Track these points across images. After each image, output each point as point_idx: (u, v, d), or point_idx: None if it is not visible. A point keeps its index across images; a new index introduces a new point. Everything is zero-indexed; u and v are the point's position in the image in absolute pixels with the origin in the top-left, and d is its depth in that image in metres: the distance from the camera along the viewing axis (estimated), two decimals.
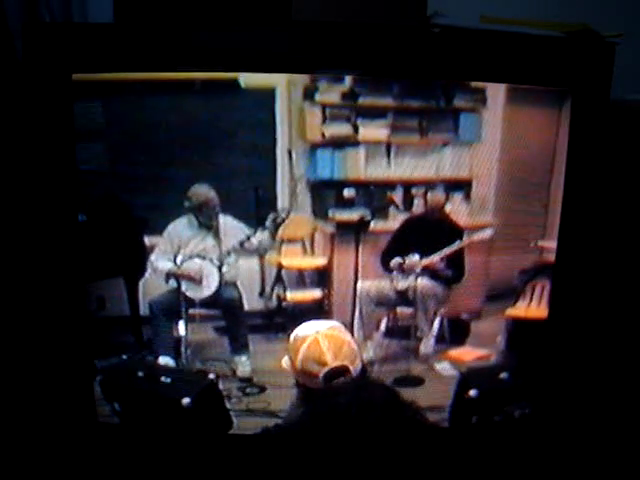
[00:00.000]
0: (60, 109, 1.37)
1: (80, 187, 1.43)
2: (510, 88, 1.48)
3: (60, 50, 1.34)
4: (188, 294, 1.62)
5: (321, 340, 1.46)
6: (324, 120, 1.52)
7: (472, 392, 1.59)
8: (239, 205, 1.53)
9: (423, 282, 1.63)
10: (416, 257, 1.61)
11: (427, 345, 1.66)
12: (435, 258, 1.60)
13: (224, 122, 1.45)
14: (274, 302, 1.66)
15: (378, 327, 1.68)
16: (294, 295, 1.65)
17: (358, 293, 1.61)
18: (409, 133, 1.51)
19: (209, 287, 1.62)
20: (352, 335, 1.54)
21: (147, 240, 1.53)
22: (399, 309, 1.67)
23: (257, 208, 1.53)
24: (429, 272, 1.62)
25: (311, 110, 1.50)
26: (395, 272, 1.62)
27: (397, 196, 1.55)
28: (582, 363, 1.66)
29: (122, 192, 1.49)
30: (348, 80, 1.45)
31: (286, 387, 1.53)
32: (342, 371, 1.45)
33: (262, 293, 1.66)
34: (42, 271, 1.47)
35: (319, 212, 1.57)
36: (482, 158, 1.53)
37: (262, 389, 1.62)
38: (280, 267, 1.64)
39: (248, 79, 1.42)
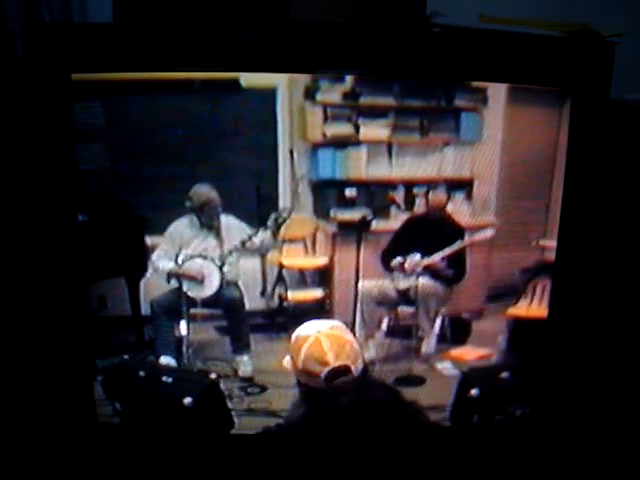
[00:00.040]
0: (60, 109, 1.37)
1: (80, 187, 1.42)
2: (511, 88, 1.48)
3: (60, 50, 1.34)
4: (189, 294, 1.62)
5: (323, 340, 1.45)
6: (325, 120, 1.52)
7: (473, 391, 1.59)
8: (241, 205, 1.53)
9: (424, 282, 1.63)
10: (417, 257, 1.61)
11: (428, 345, 1.66)
12: (436, 258, 1.60)
13: (225, 122, 1.45)
14: (275, 302, 1.66)
15: (379, 327, 1.68)
16: (295, 295, 1.65)
17: (359, 293, 1.60)
18: (410, 133, 1.51)
19: (210, 287, 1.62)
20: (354, 335, 1.54)
21: (148, 240, 1.53)
22: (400, 309, 1.67)
23: (259, 208, 1.53)
24: (430, 272, 1.62)
25: (312, 110, 1.50)
26: (396, 272, 1.62)
27: (398, 196, 1.55)
28: (583, 363, 1.66)
29: (123, 192, 1.48)
30: (349, 80, 1.45)
31: (287, 387, 1.52)
32: (344, 371, 1.44)
33: (263, 293, 1.66)
34: (43, 271, 1.47)
35: (321, 212, 1.57)
36: (483, 158, 1.53)
37: (263, 389, 1.62)
38: (281, 267, 1.64)
39: (249, 79, 1.42)
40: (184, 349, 1.62)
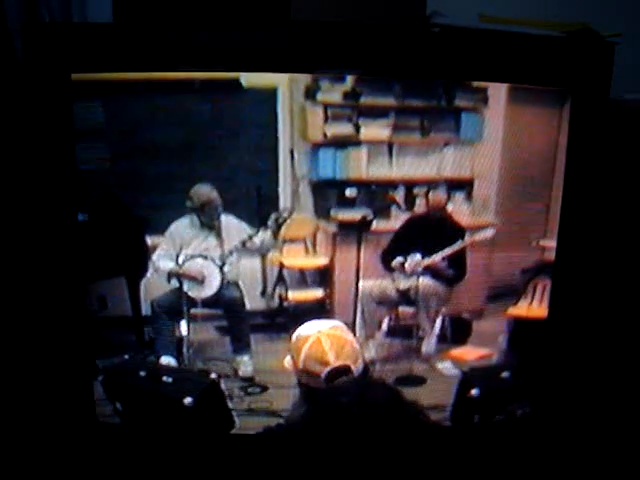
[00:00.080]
0: (60, 109, 1.37)
1: (80, 187, 1.42)
2: (511, 88, 1.48)
3: (59, 50, 1.34)
4: (190, 294, 1.62)
5: (323, 340, 1.46)
6: (326, 120, 1.52)
7: (474, 391, 1.59)
8: (241, 205, 1.53)
9: (425, 282, 1.63)
10: (418, 257, 1.61)
11: (429, 344, 1.66)
12: (437, 258, 1.60)
13: (226, 122, 1.45)
14: (276, 302, 1.66)
15: (380, 327, 1.68)
16: (296, 295, 1.65)
17: (360, 293, 1.60)
18: (411, 133, 1.51)
19: (211, 287, 1.62)
20: (354, 335, 1.54)
21: (149, 240, 1.53)
22: (401, 309, 1.67)
23: (259, 208, 1.53)
24: (431, 272, 1.62)
25: (313, 110, 1.50)
26: (397, 272, 1.62)
27: (399, 196, 1.55)
28: (583, 362, 1.66)
29: (123, 192, 1.48)
30: (350, 80, 1.45)
31: (288, 387, 1.52)
32: (344, 371, 1.44)
33: (264, 293, 1.66)
34: (43, 271, 1.46)
35: (321, 212, 1.57)
36: (484, 157, 1.53)
37: (264, 389, 1.62)
38: (282, 267, 1.64)
39: (250, 79, 1.42)
40: (184, 349, 1.61)
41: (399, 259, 1.61)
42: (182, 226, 1.56)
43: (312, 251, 1.65)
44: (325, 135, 1.53)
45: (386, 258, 1.61)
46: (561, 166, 1.50)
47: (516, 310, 1.60)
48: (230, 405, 1.59)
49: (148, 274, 1.56)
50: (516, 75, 1.44)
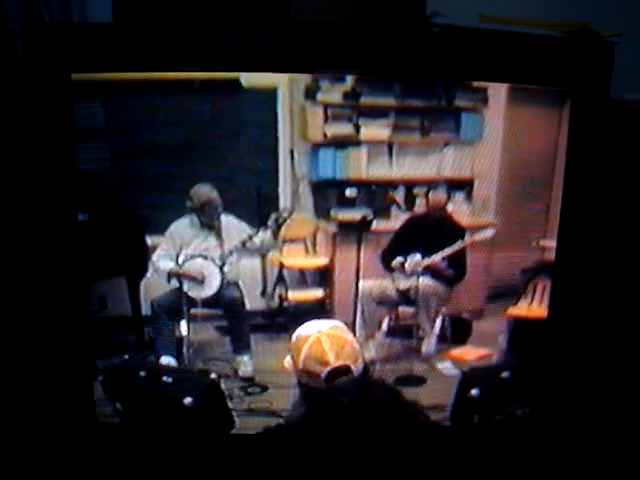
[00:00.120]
0: (60, 109, 1.37)
1: (80, 187, 1.42)
2: (511, 88, 1.48)
3: (59, 50, 1.34)
4: (190, 294, 1.62)
5: (323, 340, 1.46)
6: (326, 120, 1.52)
7: (474, 391, 1.59)
8: (241, 205, 1.53)
9: (425, 282, 1.63)
10: (418, 257, 1.61)
11: (429, 344, 1.66)
12: (437, 258, 1.61)
13: (226, 122, 1.45)
14: (276, 302, 1.66)
15: (380, 327, 1.68)
16: (296, 295, 1.65)
17: (360, 293, 1.60)
18: (411, 133, 1.51)
19: (211, 287, 1.62)
20: (354, 335, 1.54)
21: (149, 240, 1.53)
22: (401, 309, 1.67)
23: (259, 208, 1.53)
24: (431, 272, 1.62)
25: (313, 110, 1.50)
26: (397, 272, 1.62)
27: (399, 196, 1.55)
28: (583, 362, 1.66)
29: (123, 192, 1.48)
30: (350, 80, 1.45)
31: (288, 387, 1.52)
32: (344, 371, 1.45)
33: (264, 293, 1.66)
34: (43, 271, 1.46)
35: (321, 212, 1.57)
36: (484, 157, 1.53)
37: (264, 389, 1.62)
38: (282, 267, 1.64)
39: (250, 79, 1.42)
40: (184, 349, 1.61)
41: (399, 259, 1.61)
42: (182, 226, 1.56)
43: (312, 251, 1.65)
44: (325, 135, 1.53)
45: (386, 258, 1.61)
46: (561, 166, 1.50)
47: (516, 310, 1.60)
48: (230, 405, 1.59)
49: (148, 274, 1.56)
50: (516, 75, 1.44)
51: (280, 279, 1.65)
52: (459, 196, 1.57)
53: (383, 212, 1.56)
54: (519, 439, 1.62)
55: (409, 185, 1.55)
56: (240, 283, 1.62)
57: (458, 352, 1.64)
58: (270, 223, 1.53)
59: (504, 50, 1.42)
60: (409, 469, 1.58)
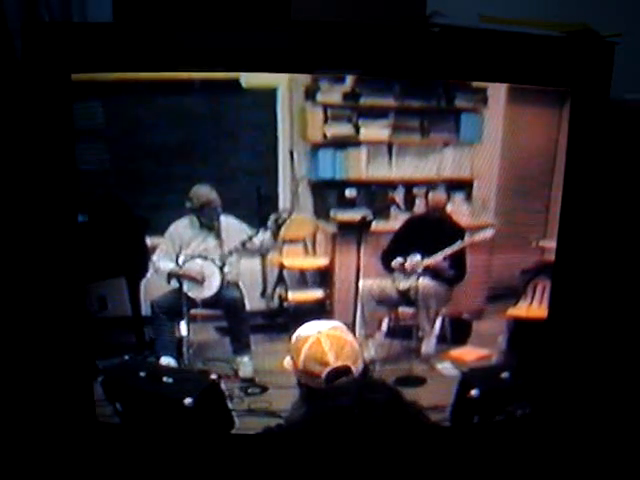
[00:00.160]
0: (60, 109, 1.37)
1: (80, 187, 1.42)
2: (511, 88, 1.48)
3: (59, 50, 1.34)
4: (190, 294, 1.62)
5: (323, 340, 1.46)
6: (326, 120, 1.52)
7: (473, 392, 1.59)
8: (241, 205, 1.53)
9: (424, 282, 1.63)
10: (417, 257, 1.61)
11: (428, 345, 1.66)
12: (436, 258, 1.61)
13: (226, 122, 1.45)
14: (276, 302, 1.66)
15: (380, 327, 1.68)
16: (296, 295, 1.65)
17: (360, 293, 1.60)
18: (410, 133, 1.51)
19: (211, 287, 1.62)
20: (354, 335, 1.54)
21: (149, 240, 1.52)
22: (401, 309, 1.67)
23: (259, 208, 1.53)
24: (430, 272, 1.62)
25: (313, 110, 1.50)
26: (396, 272, 1.62)
27: (398, 196, 1.56)
28: (583, 363, 1.66)
29: (123, 192, 1.48)
30: (349, 80, 1.45)
31: (288, 387, 1.52)
32: (344, 371, 1.45)
33: (264, 293, 1.66)
34: (43, 271, 1.47)
35: (321, 212, 1.57)
36: (483, 158, 1.53)
37: (264, 389, 1.62)
38: (282, 267, 1.64)
39: (249, 79, 1.42)
40: (184, 350, 1.61)
41: (399, 259, 1.61)
42: (182, 227, 1.56)
43: (312, 252, 1.65)
44: (325, 135, 1.53)
45: (386, 258, 1.61)
46: (561, 166, 1.50)
47: (516, 311, 1.60)
48: (230, 405, 1.59)
49: (148, 275, 1.56)
50: (516, 75, 1.44)
51: (280, 280, 1.65)
52: (459, 196, 1.57)
53: (383, 212, 1.56)
54: (519, 439, 1.62)
55: (409, 185, 1.55)
56: (240, 284, 1.62)
57: (458, 352, 1.64)
58: (270, 224, 1.53)
59: (504, 50, 1.42)
60: (409, 469, 1.58)
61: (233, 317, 1.64)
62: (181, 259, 1.58)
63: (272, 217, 1.52)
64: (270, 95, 1.49)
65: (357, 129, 1.51)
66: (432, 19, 1.73)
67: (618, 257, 1.71)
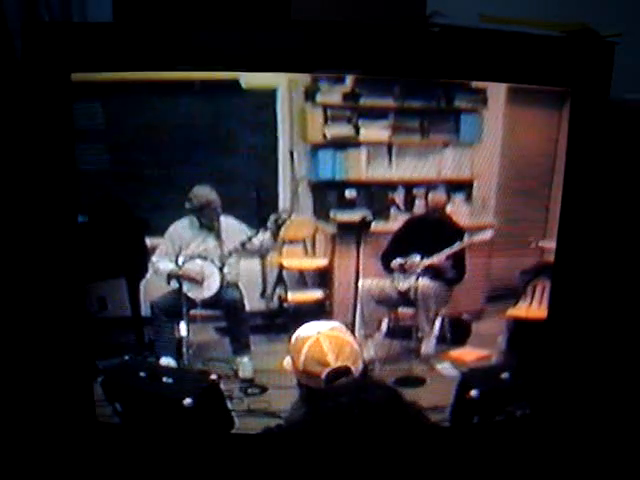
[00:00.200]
0: (59, 109, 1.37)
1: (80, 188, 1.42)
2: (511, 88, 1.48)
3: (59, 50, 1.34)
4: (189, 295, 1.62)
5: (323, 341, 1.46)
6: (325, 121, 1.52)
7: (473, 392, 1.59)
8: (240, 206, 1.53)
9: (424, 282, 1.63)
10: (417, 257, 1.61)
11: (428, 345, 1.66)
12: (436, 259, 1.61)
13: (225, 123, 1.45)
14: (275, 303, 1.66)
15: (379, 327, 1.68)
16: (295, 296, 1.65)
17: (359, 294, 1.61)
18: (410, 134, 1.51)
19: (210, 288, 1.62)
20: (354, 335, 1.54)
21: (148, 241, 1.52)
22: (400, 309, 1.67)
23: (258, 209, 1.52)
24: (430, 272, 1.62)
25: (312, 111, 1.49)
26: (396, 272, 1.63)
27: (398, 197, 1.55)
28: (582, 363, 1.66)
29: (123, 193, 1.48)
30: (349, 81, 1.45)
31: (288, 388, 1.53)
32: (344, 372, 1.45)
33: (263, 294, 1.66)
34: (43, 272, 1.47)
35: (320, 213, 1.56)
36: (483, 158, 1.53)
37: (264, 390, 1.62)
38: (281, 268, 1.64)
39: (249, 80, 1.41)
40: (184, 350, 1.61)
41: (398, 260, 1.61)
42: (181, 227, 1.56)
43: (311, 252, 1.65)
44: (325, 136, 1.53)
45: (386, 259, 1.61)
46: (561, 166, 1.49)
47: (515, 311, 1.60)
48: (230, 406, 1.59)
49: (148, 275, 1.56)
50: (516, 75, 1.44)
51: (280, 280, 1.65)
52: (458, 197, 1.57)
53: (382, 213, 1.56)
54: (519, 440, 1.62)
55: (408, 186, 1.55)
56: (240, 284, 1.62)
57: (457, 353, 1.64)
58: (269, 224, 1.53)
59: (504, 50, 1.42)
60: (409, 469, 1.58)
61: (233, 317, 1.63)
62: (181, 260, 1.58)
63: (272, 218, 1.52)
64: (270, 96, 1.49)
65: (357, 130, 1.51)
66: (432, 19, 1.73)
67: (618, 257, 1.71)
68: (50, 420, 1.59)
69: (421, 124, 1.51)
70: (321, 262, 1.64)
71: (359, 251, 1.59)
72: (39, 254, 1.46)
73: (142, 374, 1.58)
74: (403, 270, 1.62)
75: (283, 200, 1.52)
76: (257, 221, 1.54)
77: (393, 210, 1.56)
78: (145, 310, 1.58)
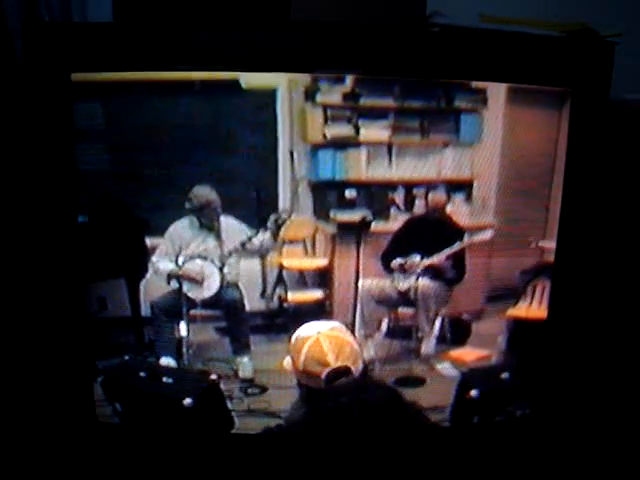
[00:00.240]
0: (59, 109, 1.37)
1: (80, 188, 1.42)
2: (511, 88, 1.48)
3: (59, 50, 1.34)
4: (189, 295, 1.62)
5: (323, 341, 1.46)
6: (325, 121, 1.52)
7: (473, 392, 1.59)
8: (240, 206, 1.53)
9: (424, 282, 1.63)
10: (417, 258, 1.61)
11: (428, 345, 1.66)
12: (436, 259, 1.61)
13: (225, 123, 1.45)
14: (275, 303, 1.66)
15: (379, 327, 1.68)
16: (295, 296, 1.65)
17: (359, 294, 1.61)
18: (410, 134, 1.51)
19: (210, 288, 1.62)
20: (354, 335, 1.54)
21: (148, 241, 1.52)
22: (400, 309, 1.67)
23: (258, 209, 1.53)
24: (430, 272, 1.62)
25: (312, 111, 1.50)
26: (396, 272, 1.63)
27: (398, 197, 1.56)
28: (582, 363, 1.66)
29: (123, 193, 1.48)
30: (349, 81, 1.45)
31: (288, 388, 1.53)
32: (344, 372, 1.45)
33: (263, 294, 1.66)
34: (43, 272, 1.47)
35: (320, 213, 1.56)
36: (483, 158, 1.53)
37: (264, 390, 1.62)
38: (281, 268, 1.64)
39: (249, 80, 1.41)
40: (184, 350, 1.61)
41: (398, 260, 1.61)
42: (181, 227, 1.56)
43: (311, 252, 1.65)
44: (325, 136, 1.53)
45: (385, 259, 1.61)
46: (561, 166, 1.49)
47: (515, 311, 1.60)
48: (230, 406, 1.59)
49: (148, 275, 1.56)
50: (516, 75, 1.44)
51: (280, 280, 1.65)
52: (458, 197, 1.57)
53: (382, 213, 1.56)
54: (518, 440, 1.62)
55: (408, 186, 1.55)
56: (240, 284, 1.62)
57: (457, 353, 1.64)
58: (269, 224, 1.53)
59: (504, 50, 1.42)
60: (409, 470, 1.58)
61: (233, 317, 1.63)
62: (181, 260, 1.58)
63: (272, 218, 1.52)
64: (270, 96, 1.49)
65: (357, 130, 1.51)
66: (432, 19, 1.73)
67: (618, 257, 1.71)
68: (50, 420, 1.59)
69: (421, 124, 1.51)
70: (321, 262, 1.64)
71: (359, 251, 1.59)
72: (39, 254, 1.46)
73: (142, 374, 1.58)
74: (403, 270, 1.62)
75: (283, 200, 1.52)
76: (257, 221, 1.54)
77: (393, 210, 1.56)
78: (145, 310, 1.58)
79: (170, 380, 1.58)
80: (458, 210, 1.58)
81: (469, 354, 1.63)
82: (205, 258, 1.59)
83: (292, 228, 1.55)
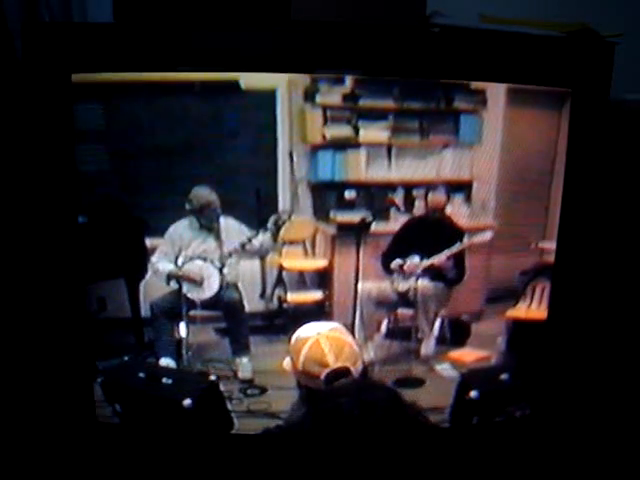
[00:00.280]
0: (60, 110, 1.37)
1: (80, 188, 1.42)
2: (510, 89, 1.48)
3: (60, 50, 1.34)
4: (189, 296, 1.62)
5: (322, 341, 1.46)
6: (325, 122, 1.52)
7: (473, 393, 1.59)
8: (240, 207, 1.53)
9: (424, 283, 1.63)
10: (417, 259, 1.61)
11: (428, 346, 1.66)
12: (436, 259, 1.61)
13: (225, 124, 1.45)
14: (275, 304, 1.67)
15: (379, 328, 1.68)
16: (295, 297, 1.65)
17: (359, 294, 1.60)
18: (410, 135, 1.51)
19: (210, 289, 1.62)
20: (353, 336, 1.54)
21: (148, 242, 1.52)
22: (400, 310, 1.67)
23: (258, 210, 1.53)
24: (430, 273, 1.62)
25: (312, 112, 1.50)
26: (396, 273, 1.63)
27: (398, 198, 1.56)
28: (582, 364, 1.66)
29: (123, 193, 1.48)
30: (349, 82, 1.45)
31: (287, 388, 1.52)
32: (343, 372, 1.45)
33: (263, 295, 1.66)
34: (43, 272, 1.47)
35: (320, 214, 1.57)
36: (483, 159, 1.53)
37: (263, 390, 1.62)
38: (281, 269, 1.65)
39: (248, 81, 1.42)
40: (184, 351, 1.62)
41: (398, 261, 1.62)
42: (181, 228, 1.56)
43: (311, 253, 1.66)
44: (324, 137, 1.53)
45: (385, 260, 1.61)
46: (561, 167, 1.49)
47: (515, 312, 1.60)
48: (229, 407, 1.59)
49: (147, 276, 1.56)
50: (516, 75, 1.44)
51: (279, 281, 1.65)
52: (458, 198, 1.57)
53: (382, 214, 1.56)
54: (518, 440, 1.62)
55: (408, 187, 1.55)
56: (239, 285, 1.63)
57: (457, 354, 1.64)
58: (269, 225, 1.53)
59: (504, 50, 1.42)
60: (409, 470, 1.58)
61: (232, 318, 1.64)
62: (180, 260, 1.58)
63: (272, 218, 1.52)
64: (269, 96, 1.49)
65: (356, 130, 1.51)
66: (432, 19, 1.72)
67: (618, 258, 1.71)
68: (50, 420, 1.59)
69: (421, 125, 1.51)
70: (321, 263, 1.64)
71: (359, 252, 1.59)
72: (39, 255, 1.46)
73: (142, 375, 1.58)
74: (403, 271, 1.62)
75: (283, 201, 1.53)
76: (257, 222, 1.54)
77: (393, 211, 1.56)
78: (145, 311, 1.58)
79: (170, 381, 1.58)
80: (458, 211, 1.58)
81: (469, 355, 1.63)
82: (205, 259, 1.60)
83: (292, 229, 1.55)
